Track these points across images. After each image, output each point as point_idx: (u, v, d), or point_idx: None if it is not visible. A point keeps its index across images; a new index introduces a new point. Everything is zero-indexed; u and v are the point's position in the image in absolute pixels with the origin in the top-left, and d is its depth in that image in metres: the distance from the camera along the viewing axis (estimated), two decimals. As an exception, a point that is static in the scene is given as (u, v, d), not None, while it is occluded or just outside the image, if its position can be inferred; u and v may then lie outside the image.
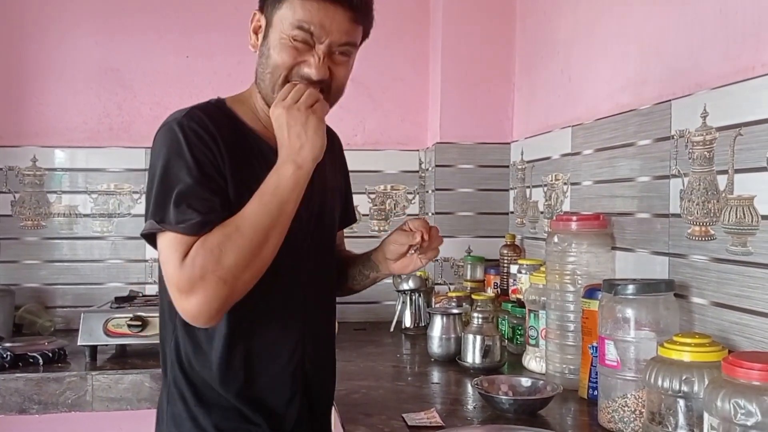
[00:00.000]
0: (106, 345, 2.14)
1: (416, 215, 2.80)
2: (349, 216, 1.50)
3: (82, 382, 1.97)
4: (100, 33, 2.64)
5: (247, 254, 1.07)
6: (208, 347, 1.19)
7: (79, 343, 2.09)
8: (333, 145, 1.37)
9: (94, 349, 2.11)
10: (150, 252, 2.63)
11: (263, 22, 1.20)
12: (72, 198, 2.64)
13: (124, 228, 2.64)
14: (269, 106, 1.18)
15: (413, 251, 1.38)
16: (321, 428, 1.33)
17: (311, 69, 1.16)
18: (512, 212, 2.56)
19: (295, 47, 1.15)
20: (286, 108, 1.12)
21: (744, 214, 1.28)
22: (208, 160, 1.13)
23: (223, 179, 1.14)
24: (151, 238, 1.13)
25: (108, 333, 2.09)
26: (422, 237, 1.35)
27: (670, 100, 1.53)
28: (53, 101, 2.63)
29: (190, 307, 1.06)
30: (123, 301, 2.28)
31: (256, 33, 1.22)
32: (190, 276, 1.05)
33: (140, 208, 2.64)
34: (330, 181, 1.35)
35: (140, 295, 2.45)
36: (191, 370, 1.20)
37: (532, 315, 1.82)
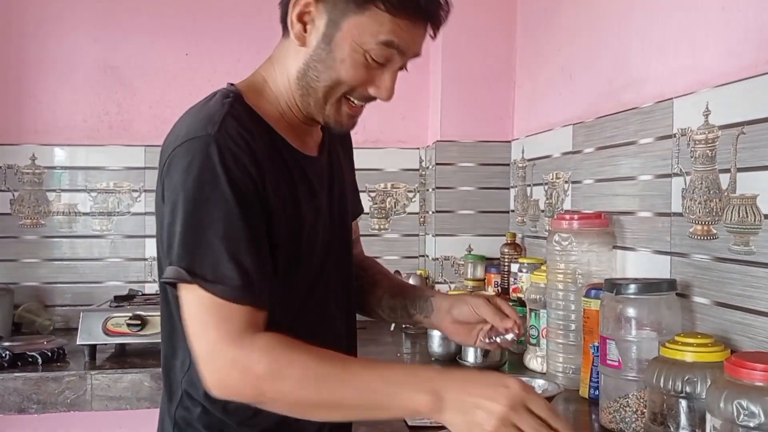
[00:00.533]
0: (106, 344, 2.13)
1: (416, 213, 2.79)
2: (358, 208, 1.36)
3: (81, 381, 1.97)
4: (99, 31, 2.63)
5: (304, 403, 0.92)
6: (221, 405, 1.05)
7: (78, 343, 2.08)
8: (345, 137, 1.29)
9: (93, 349, 2.10)
10: (150, 251, 2.62)
11: (321, 17, 1.01)
12: (71, 196, 2.63)
13: (124, 226, 2.63)
14: (304, 109, 1.07)
15: (485, 335, 1.22)
16: None
17: (381, 92, 1.05)
18: (513, 210, 2.55)
19: (369, 65, 1.02)
20: (500, 415, 0.86)
21: (747, 213, 1.27)
22: (249, 191, 0.96)
23: (264, 207, 0.99)
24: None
25: (107, 332, 2.08)
26: (514, 330, 1.20)
27: (672, 98, 1.52)
28: (52, 99, 2.62)
29: (210, 380, 0.93)
30: (122, 300, 2.28)
31: (302, 22, 1.02)
32: (230, 364, 0.91)
33: (139, 206, 2.63)
34: (345, 173, 1.25)
35: (140, 294, 2.45)
36: (209, 403, 1.05)
37: (533, 314, 1.81)
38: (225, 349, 0.91)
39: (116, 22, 2.63)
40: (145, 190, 2.63)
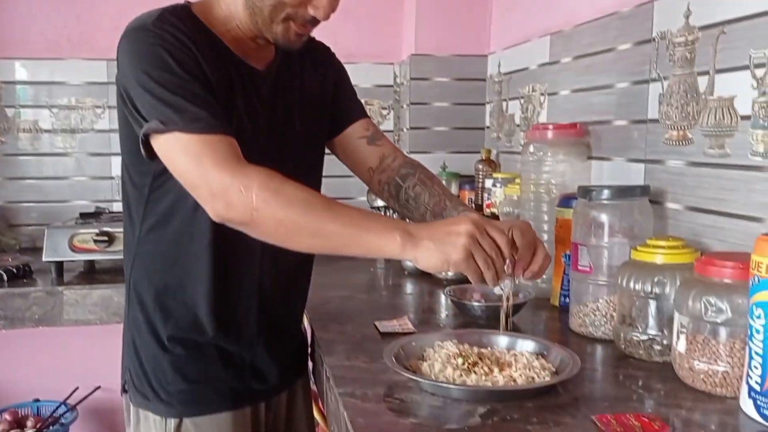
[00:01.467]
0: (73, 261, 2.10)
1: (391, 131, 2.74)
2: (345, 116, 1.36)
3: (48, 297, 1.94)
4: (54, -64, 2.49)
5: (289, 223, 1.00)
6: (171, 254, 1.18)
7: (44, 259, 2.04)
8: (311, 59, 1.31)
9: (60, 265, 2.06)
10: (116, 169, 2.55)
11: None
12: (34, 113, 2.54)
13: (88, 144, 2.56)
14: (255, 29, 1.14)
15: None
16: (282, 351, 1.31)
17: (319, 11, 1.10)
18: (488, 127, 2.51)
19: None
20: (467, 232, 0.98)
21: (723, 115, 1.25)
22: (191, 62, 1.06)
23: (207, 84, 1.08)
24: (145, 138, 1.06)
25: (74, 249, 2.04)
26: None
27: (652, 1, 1.47)
28: (6, 10, 2.49)
29: (210, 203, 1.02)
30: (88, 217, 2.23)
31: None
32: (232, 184, 0.99)
33: (103, 123, 2.56)
34: (302, 97, 1.27)
35: (107, 211, 2.40)
36: (153, 275, 1.19)
37: (505, 227, 1.80)
38: (221, 173, 1.00)
39: (73, -73, 2.49)
40: (108, 107, 2.54)
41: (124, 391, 1.26)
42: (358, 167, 1.38)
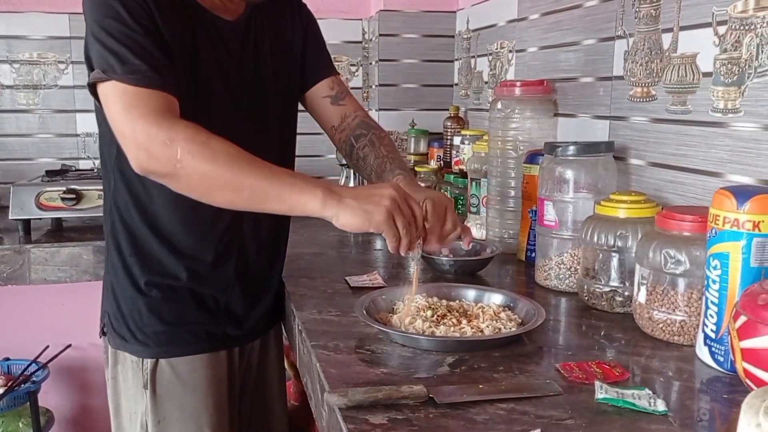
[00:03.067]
0: (40, 219, 2.07)
1: (360, 88, 2.73)
2: (313, 73, 1.39)
3: (16, 255, 1.92)
4: None
5: (213, 176, 1.00)
6: (147, 199, 1.21)
7: (11, 217, 2.01)
8: (282, 11, 1.32)
9: (27, 224, 2.04)
10: (81, 126, 2.51)
11: None
12: (-7, 68, 2.47)
13: (52, 101, 2.50)
14: None
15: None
16: (258, 298, 1.35)
17: None
18: (457, 84, 2.52)
19: None
20: (390, 196, 1.02)
21: (686, 72, 1.28)
22: (143, 13, 1.08)
23: (161, 34, 1.10)
24: (93, 87, 1.09)
25: (41, 206, 2.01)
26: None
27: (619, -42, 1.48)
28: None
29: (135, 154, 1.03)
30: (55, 175, 2.20)
31: None
32: (156, 136, 1.00)
33: (67, 79, 2.50)
34: (273, 49, 1.29)
35: (73, 169, 2.36)
36: (129, 220, 1.23)
37: (473, 183, 1.82)
38: (148, 125, 1.01)
39: None
40: (72, 62, 2.48)
41: (103, 333, 1.30)
42: (323, 125, 1.43)
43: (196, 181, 1.01)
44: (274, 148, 1.30)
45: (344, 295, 1.31)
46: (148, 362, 1.23)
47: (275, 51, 1.30)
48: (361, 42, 2.70)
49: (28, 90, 2.49)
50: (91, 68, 1.09)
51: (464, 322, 1.09)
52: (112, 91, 1.05)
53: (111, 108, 1.06)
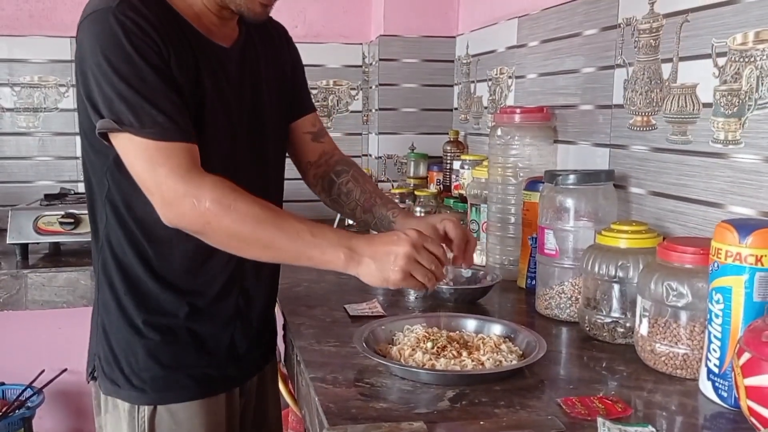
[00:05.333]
0: (38, 243, 2.06)
1: (359, 112, 2.74)
2: (299, 107, 1.40)
3: (13, 280, 1.91)
4: None
5: (241, 237, 1.04)
6: (143, 236, 1.15)
7: (8, 242, 2.00)
8: (272, 37, 1.32)
9: (25, 248, 2.03)
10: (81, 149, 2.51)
11: None
12: (-7, 91, 2.48)
13: (52, 123, 2.50)
14: (219, 2, 1.14)
15: None
16: (259, 333, 1.32)
17: None
18: (456, 108, 2.53)
19: None
20: (405, 254, 1.05)
21: (686, 102, 1.28)
22: (153, 52, 1.05)
23: (173, 73, 1.07)
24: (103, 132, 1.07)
25: (39, 231, 2.00)
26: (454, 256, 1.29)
27: (618, -13, 1.49)
28: (-36, -16, 2.41)
29: (163, 211, 1.05)
30: (53, 199, 2.19)
31: None
32: (184, 196, 1.02)
33: (68, 102, 2.50)
34: (267, 74, 1.28)
35: (72, 192, 2.36)
36: (123, 256, 1.16)
37: (473, 209, 1.82)
38: (175, 183, 1.02)
39: None
40: (72, 85, 2.49)
41: (92, 378, 1.23)
42: (297, 158, 1.43)
43: (225, 239, 1.06)
44: (272, 175, 1.30)
45: (343, 325, 1.30)
46: (145, 409, 1.16)
47: (269, 77, 1.28)
48: (361, 66, 2.71)
49: (28, 113, 2.49)
50: (97, 112, 1.05)
51: (465, 354, 1.08)
52: (130, 144, 1.04)
53: (132, 161, 1.05)
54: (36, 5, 2.46)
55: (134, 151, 1.04)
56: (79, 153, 2.47)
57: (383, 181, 2.57)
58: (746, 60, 1.13)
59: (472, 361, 1.06)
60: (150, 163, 1.03)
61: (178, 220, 1.04)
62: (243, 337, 1.26)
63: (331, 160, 1.42)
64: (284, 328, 1.40)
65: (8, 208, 2.09)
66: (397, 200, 2.18)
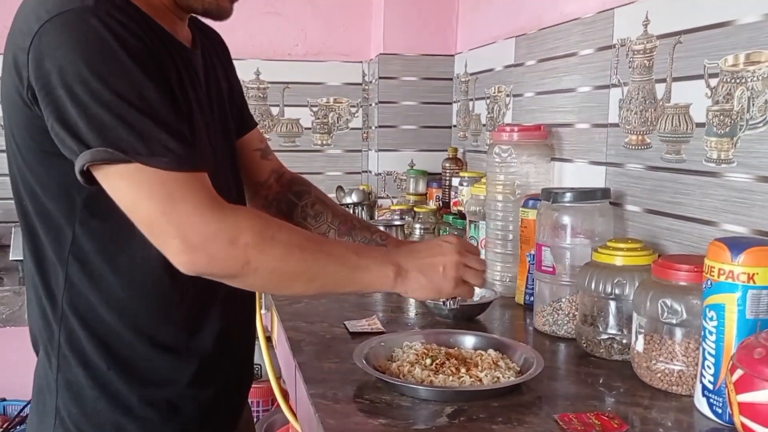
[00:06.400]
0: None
1: (359, 129, 2.76)
2: (247, 121, 1.27)
3: (15, 297, 1.93)
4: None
5: (285, 271, 0.91)
6: (126, 291, 0.95)
7: (11, 258, 2.02)
8: (217, 43, 1.19)
9: (27, 265, 2.05)
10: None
11: None
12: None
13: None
14: (178, 1, 0.98)
15: None
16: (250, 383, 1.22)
17: None
18: (455, 126, 2.55)
19: None
20: (454, 262, 1.02)
21: (680, 122, 1.30)
22: (151, 61, 0.87)
23: (164, 75, 0.90)
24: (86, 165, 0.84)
25: (41, 248, 2.02)
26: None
27: (613, 8, 1.52)
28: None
29: (193, 260, 0.85)
30: (56, 216, 2.21)
31: None
32: (218, 236, 0.84)
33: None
34: (222, 80, 1.14)
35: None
36: (99, 323, 0.95)
37: (472, 226, 1.84)
38: (205, 223, 0.84)
39: None
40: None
41: None
42: (247, 179, 1.25)
43: (265, 278, 0.90)
44: (239, 186, 1.18)
45: (343, 341, 1.31)
46: None
47: (223, 87, 1.14)
48: (361, 84, 2.74)
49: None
50: (79, 142, 0.82)
51: (463, 370, 1.09)
52: (135, 179, 0.83)
53: (137, 201, 0.85)
54: None
55: (140, 186, 0.83)
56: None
57: (383, 198, 2.59)
58: (737, 81, 1.16)
59: (471, 377, 1.07)
60: (166, 201, 0.83)
61: (208, 266, 0.86)
62: (242, 388, 1.18)
63: (283, 179, 1.30)
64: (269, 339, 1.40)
65: (11, 224, 2.11)
66: (396, 216, 2.20)
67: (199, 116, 1.00)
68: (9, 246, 2.05)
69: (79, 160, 0.83)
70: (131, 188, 0.84)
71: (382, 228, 1.80)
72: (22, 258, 2.01)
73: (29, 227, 0.96)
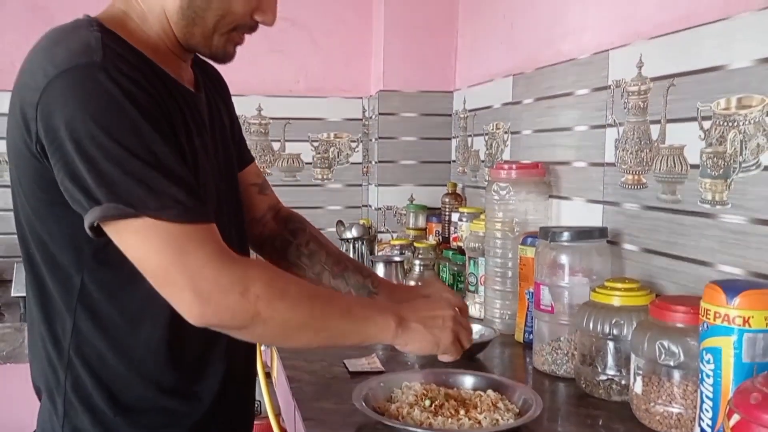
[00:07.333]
0: (41, 296, 2.09)
1: (359, 163, 2.79)
2: (244, 156, 1.29)
3: (16, 333, 1.93)
4: (25, -31, 2.50)
5: (294, 324, 0.93)
6: (133, 337, 0.97)
7: (13, 294, 2.03)
8: (217, 79, 1.22)
9: (28, 301, 2.05)
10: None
11: None
12: (3, 144, 2.52)
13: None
14: (185, 41, 1.00)
15: None
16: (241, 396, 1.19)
17: (268, 16, 1.01)
18: (454, 161, 2.58)
19: None
20: (452, 317, 1.07)
21: (674, 163, 1.32)
22: (159, 114, 0.89)
23: (170, 127, 0.92)
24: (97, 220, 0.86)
25: (43, 284, 2.03)
26: None
27: (607, 50, 1.55)
28: None
29: (204, 311, 0.87)
30: (58, 252, 2.22)
31: None
32: (228, 287, 0.86)
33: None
34: (224, 119, 1.17)
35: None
36: (104, 370, 0.96)
37: (471, 262, 1.85)
38: (215, 273, 0.86)
39: (43, -39, 2.50)
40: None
41: None
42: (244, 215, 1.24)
43: (274, 330, 0.93)
44: (242, 227, 1.19)
45: (342, 380, 1.31)
46: None
47: (225, 125, 1.16)
48: (361, 119, 2.78)
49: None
50: (89, 198, 0.84)
51: (462, 412, 1.09)
52: (145, 233, 0.84)
53: (147, 254, 0.86)
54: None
55: (151, 240, 0.84)
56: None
57: (383, 232, 2.60)
58: (730, 124, 1.17)
59: (470, 419, 1.07)
60: (177, 253, 0.84)
61: (218, 317, 0.87)
62: (246, 429, 1.19)
63: (279, 216, 1.30)
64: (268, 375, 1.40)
65: (12, 259, 2.12)
66: (396, 251, 2.21)
67: (205, 161, 1.02)
68: (11, 281, 2.06)
69: (89, 216, 0.85)
70: (141, 242, 0.86)
71: (381, 264, 1.84)
72: (23, 294, 2.02)
73: (36, 274, 0.97)
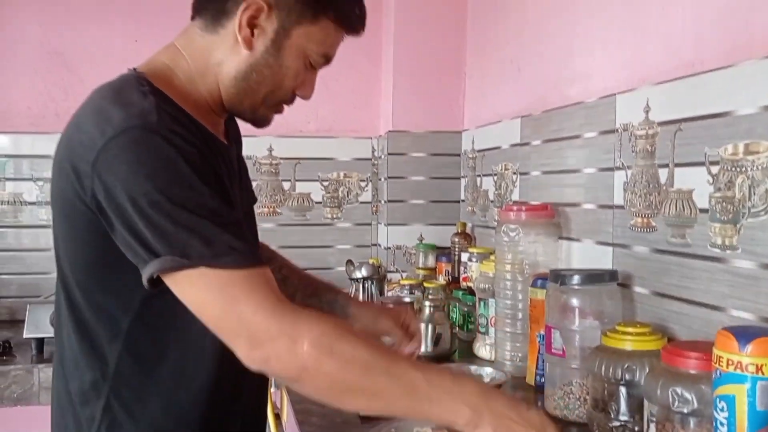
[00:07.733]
0: (53, 337, 2.10)
1: (369, 203, 2.81)
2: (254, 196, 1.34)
3: (28, 375, 1.94)
4: (43, 15, 2.57)
5: (345, 385, 0.90)
6: (180, 385, 1.01)
7: (25, 336, 2.04)
8: (237, 134, 1.25)
9: (40, 342, 2.06)
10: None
11: (272, 23, 1.02)
12: (16, 185, 2.57)
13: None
14: (230, 107, 1.07)
15: None
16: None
17: (307, 92, 1.10)
18: (463, 200, 2.59)
19: (306, 71, 1.08)
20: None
21: (683, 206, 1.33)
22: (211, 171, 0.94)
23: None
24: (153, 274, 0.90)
25: (55, 325, 2.04)
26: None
27: (614, 94, 1.57)
28: (-7, 86, 2.55)
29: (257, 356, 0.89)
30: (70, 292, 2.24)
31: (251, 27, 1.02)
32: (278, 336, 0.87)
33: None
34: (245, 168, 1.25)
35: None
36: (143, 412, 1.00)
37: (482, 303, 1.85)
38: (266, 320, 0.88)
39: (61, 6, 2.57)
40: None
41: None
42: None
43: (324, 388, 0.91)
44: None
45: (353, 425, 1.31)
46: None
47: (245, 171, 1.24)
48: (370, 159, 2.80)
49: (48, 206, 2.57)
50: (149, 251, 0.88)
51: (474, 459, 1.09)
52: (201, 281, 0.88)
53: (204, 301, 0.90)
54: (62, 105, 2.58)
55: (208, 288, 0.88)
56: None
57: (392, 272, 2.61)
58: (738, 170, 1.18)
59: (481, 467, 1.06)
60: (231, 300, 0.88)
61: (270, 365, 0.89)
62: None
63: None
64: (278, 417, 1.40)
65: (26, 300, 2.14)
66: (406, 291, 2.21)
67: (240, 209, 1.07)
68: (23, 321, 2.07)
69: (148, 269, 0.89)
70: (199, 291, 0.89)
71: (392, 305, 1.84)
72: (36, 335, 2.04)
73: (78, 318, 1.00)
